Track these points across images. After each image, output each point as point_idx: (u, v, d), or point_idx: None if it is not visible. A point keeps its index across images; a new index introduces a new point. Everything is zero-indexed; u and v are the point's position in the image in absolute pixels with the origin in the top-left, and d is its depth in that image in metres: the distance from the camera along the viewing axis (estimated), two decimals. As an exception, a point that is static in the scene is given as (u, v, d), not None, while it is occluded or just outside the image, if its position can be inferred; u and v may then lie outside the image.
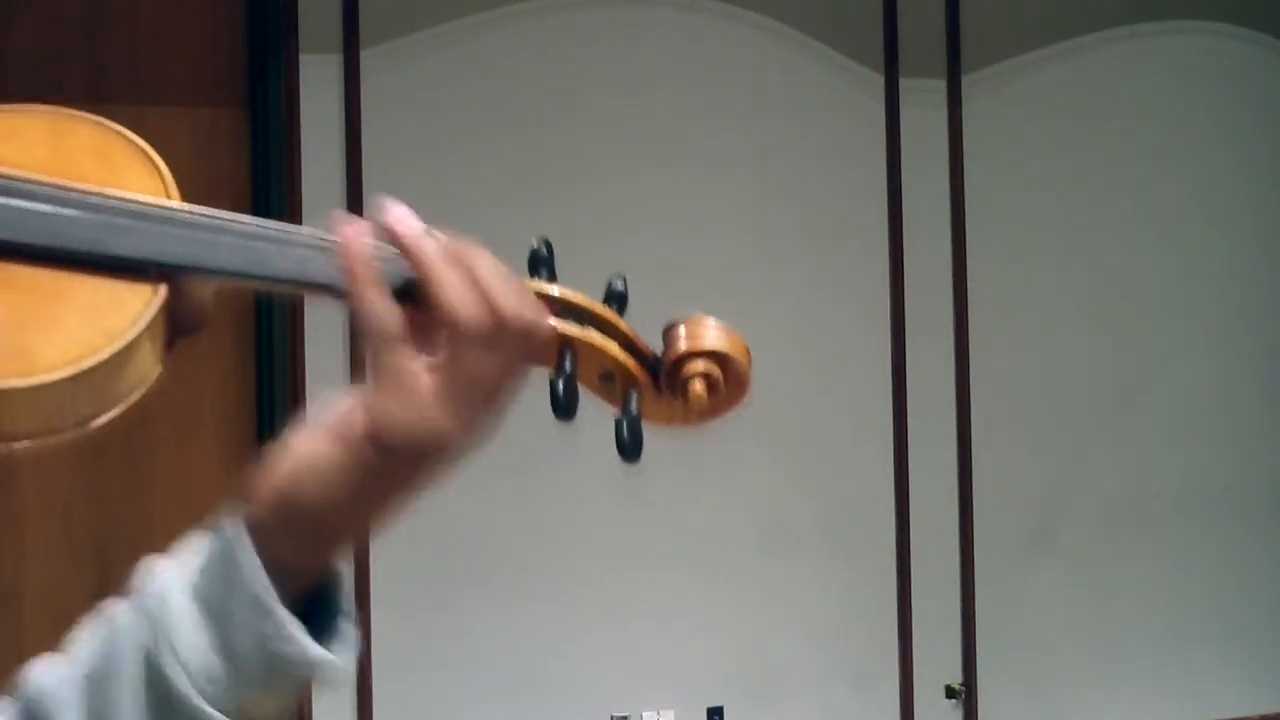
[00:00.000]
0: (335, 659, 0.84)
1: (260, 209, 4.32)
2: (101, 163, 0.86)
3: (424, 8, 4.47)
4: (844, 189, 4.82)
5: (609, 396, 0.92)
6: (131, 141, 0.88)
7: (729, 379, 0.93)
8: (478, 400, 0.81)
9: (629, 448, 0.90)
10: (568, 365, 0.88)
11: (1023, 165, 5.00)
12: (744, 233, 4.71)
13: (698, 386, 0.92)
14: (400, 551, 4.34)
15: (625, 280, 0.97)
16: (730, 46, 4.72)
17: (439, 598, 4.38)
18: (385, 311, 0.82)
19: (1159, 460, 5.09)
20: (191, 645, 0.80)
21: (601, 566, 4.54)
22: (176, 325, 0.84)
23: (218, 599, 0.81)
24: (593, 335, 0.90)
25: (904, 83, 4.87)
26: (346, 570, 0.88)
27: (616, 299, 0.95)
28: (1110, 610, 5.04)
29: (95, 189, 0.83)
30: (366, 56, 4.40)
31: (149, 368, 0.82)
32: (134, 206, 0.84)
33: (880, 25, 4.86)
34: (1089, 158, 5.06)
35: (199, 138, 4.35)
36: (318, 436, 0.82)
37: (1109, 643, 5.02)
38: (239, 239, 0.86)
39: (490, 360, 0.81)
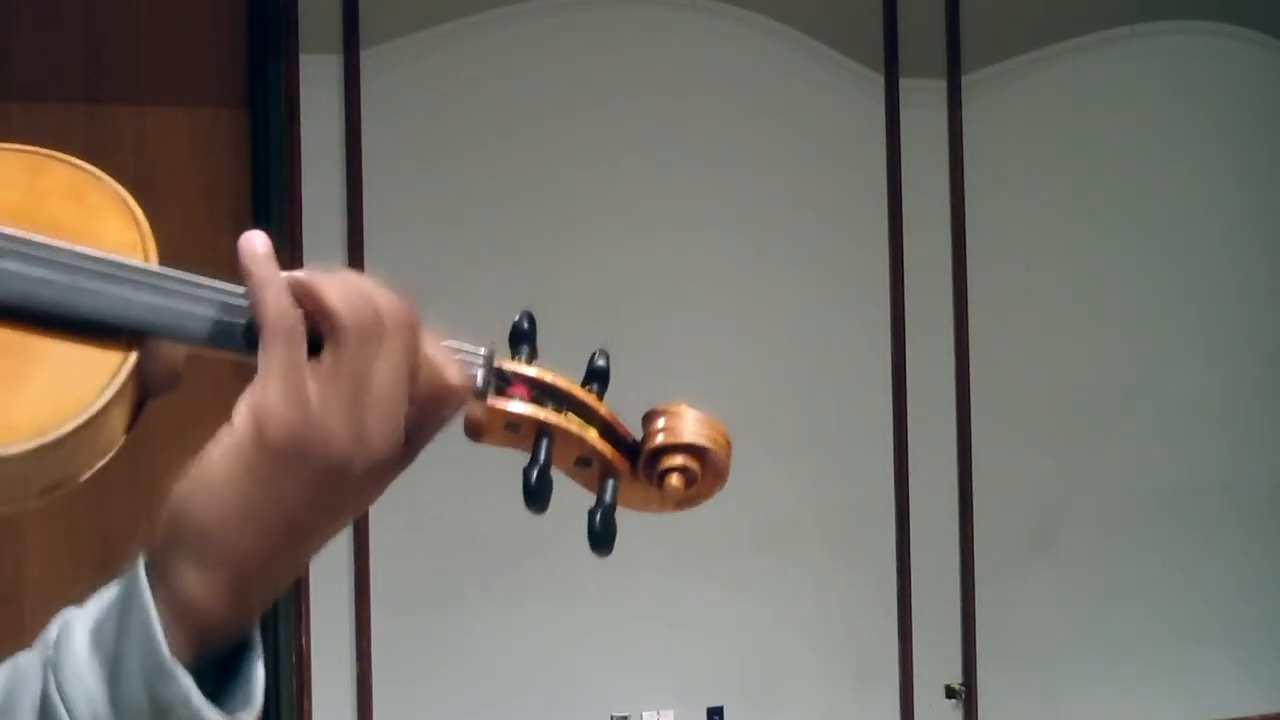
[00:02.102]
0: None
1: (260, 209, 4.32)
2: (75, 206, 0.82)
3: (424, 8, 4.47)
4: (844, 189, 4.82)
5: (584, 480, 0.91)
6: (108, 186, 0.84)
7: (706, 471, 0.94)
8: (366, 404, 0.77)
9: (601, 539, 0.89)
10: (543, 453, 0.87)
11: (1023, 165, 5.00)
12: (744, 232, 4.71)
13: (674, 480, 0.92)
14: (400, 552, 4.34)
15: (607, 356, 0.95)
16: (730, 46, 4.72)
17: (439, 598, 4.38)
18: (284, 307, 0.78)
19: (1159, 460, 5.09)
20: (81, 691, 0.76)
21: (601, 567, 4.53)
22: (147, 388, 0.81)
23: (111, 642, 0.77)
24: (570, 421, 0.89)
25: (904, 83, 4.87)
26: (261, 627, 0.81)
27: (598, 376, 0.93)
28: (1110, 610, 5.04)
29: (67, 246, 0.79)
30: (366, 56, 4.40)
31: (116, 435, 0.79)
32: (105, 266, 0.79)
33: (880, 25, 4.86)
34: (1089, 158, 5.06)
35: (199, 138, 4.35)
36: (208, 449, 0.78)
37: (1109, 643, 5.02)
38: (210, 302, 0.81)
39: (374, 359, 0.78)
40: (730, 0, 4.71)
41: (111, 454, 0.79)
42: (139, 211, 0.83)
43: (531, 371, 0.90)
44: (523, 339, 0.93)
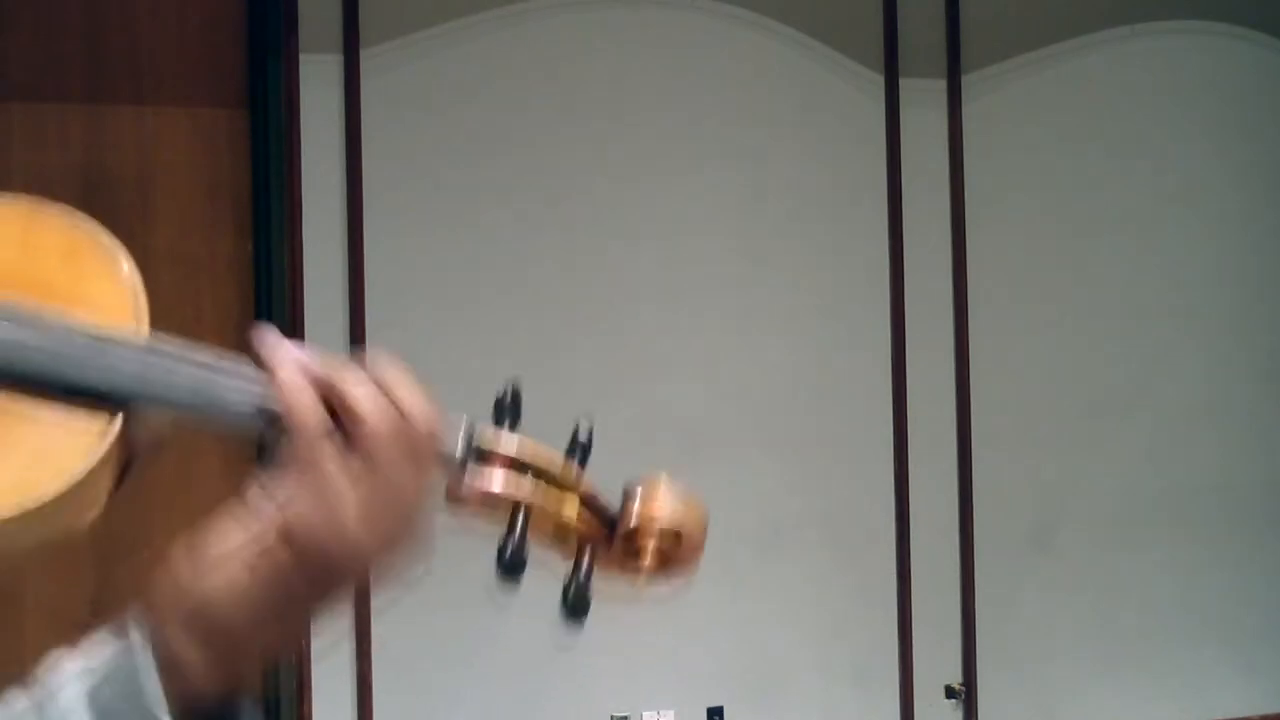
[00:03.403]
0: None
1: (260, 209, 4.32)
2: (69, 267, 0.83)
3: (424, 8, 4.47)
4: (844, 189, 4.82)
5: (561, 550, 0.92)
6: (102, 242, 0.84)
7: (681, 549, 0.94)
8: (397, 515, 0.80)
9: (574, 611, 0.91)
10: (518, 529, 0.88)
11: (1023, 165, 4.99)
12: (744, 232, 4.71)
13: (649, 561, 0.93)
14: (400, 551, 4.34)
15: (591, 429, 0.94)
16: (730, 46, 4.72)
17: (439, 597, 4.38)
18: (312, 409, 0.79)
19: (1159, 461, 5.09)
20: None
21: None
22: (132, 453, 0.81)
23: (109, 708, 0.78)
24: (548, 496, 0.90)
25: (904, 83, 4.87)
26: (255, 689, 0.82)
27: (580, 449, 0.93)
28: (1110, 610, 5.04)
29: (58, 318, 0.79)
30: (366, 56, 4.40)
31: (101, 496, 0.80)
32: (93, 338, 0.80)
33: (880, 25, 4.86)
34: (1089, 158, 5.05)
35: (199, 138, 4.35)
36: (229, 533, 0.79)
37: (1109, 643, 5.02)
38: (196, 371, 0.81)
39: (407, 466, 0.79)
40: (730, 0, 4.71)
41: (93, 516, 0.80)
42: (131, 268, 0.83)
43: (511, 447, 0.90)
44: (505, 411, 0.92)
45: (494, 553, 0.87)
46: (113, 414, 0.78)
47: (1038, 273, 4.99)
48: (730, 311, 4.70)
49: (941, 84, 4.92)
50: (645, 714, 4.60)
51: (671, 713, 4.62)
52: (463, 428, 0.87)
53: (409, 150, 4.42)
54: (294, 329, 4.28)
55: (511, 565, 0.88)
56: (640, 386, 4.56)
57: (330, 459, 0.78)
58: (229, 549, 0.78)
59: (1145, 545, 5.07)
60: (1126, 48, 5.11)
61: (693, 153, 4.67)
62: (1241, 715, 5.15)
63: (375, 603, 4.33)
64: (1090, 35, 5.07)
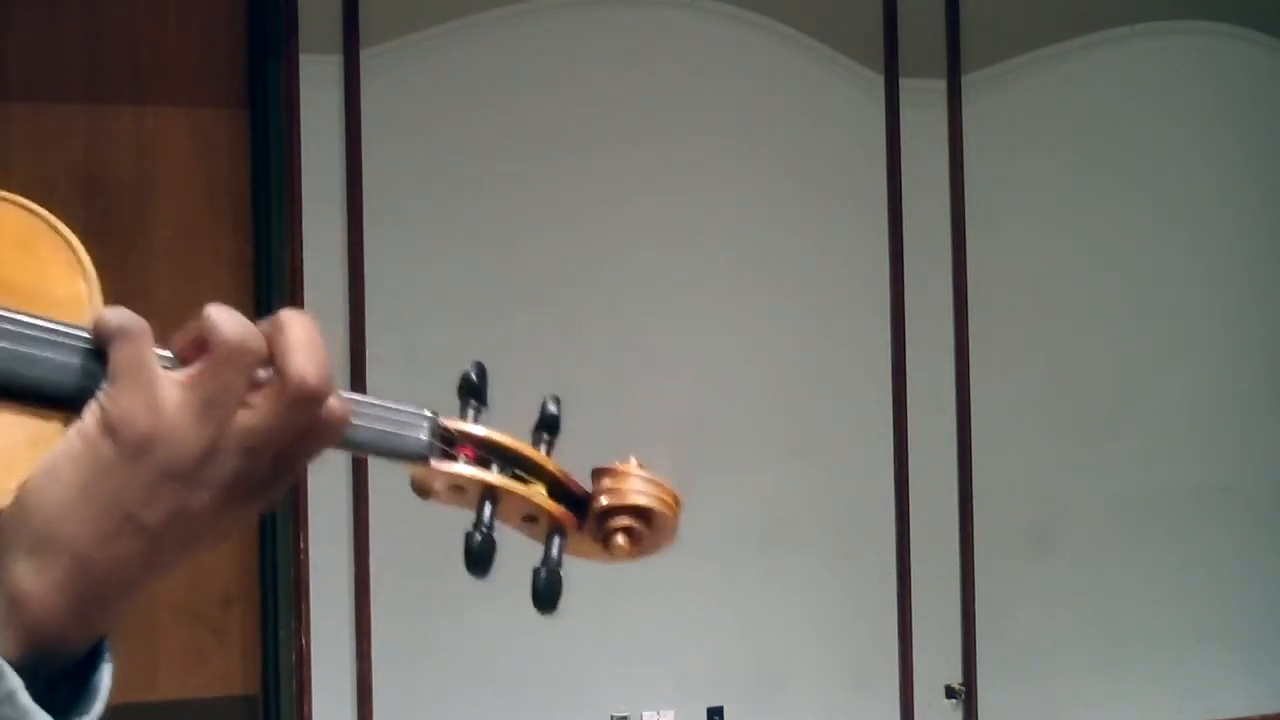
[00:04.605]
0: None
1: (260, 209, 4.32)
2: (24, 255, 0.80)
3: (424, 8, 4.47)
4: (844, 189, 4.82)
5: (532, 534, 0.91)
6: (58, 232, 0.81)
7: (653, 530, 0.94)
8: (223, 418, 0.76)
9: (544, 598, 0.89)
10: (486, 515, 0.87)
11: (1023, 165, 5.00)
12: (744, 232, 4.71)
13: (620, 540, 0.93)
14: (400, 550, 4.34)
15: (559, 402, 0.93)
16: (730, 47, 4.72)
17: (439, 597, 4.38)
18: (125, 314, 0.77)
19: (1159, 460, 5.09)
20: None
21: (601, 566, 4.53)
22: None
23: None
24: (516, 481, 0.89)
25: (904, 83, 4.87)
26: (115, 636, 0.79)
27: (549, 425, 0.92)
28: (1110, 610, 5.04)
29: (12, 311, 0.77)
30: (366, 56, 4.40)
31: None
32: (45, 332, 0.78)
33: (880, 25, 4.86)
34: (1088, 158, 5.06)
35: (199, 138, 4.35)
36: (60, 444, 0.76)
37: (1109, 643, 5.02)
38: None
39: (240, 379, 0.77)
40: (731, 1, 4.71)
41: None
42: (86, 259, 0.81)
43: (477, 432, 0.89)
44: (471, 393, 0.91)
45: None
46: (69, 415, 0.77)
47: (1037, 273, 4.99)
48: (730, 311, 4.70)
49: (941, 84, 4.92)
50: (645, 714, 4.60)
51: (671, 713, 4.62)
52: (427, 416, 0.86)
53: (409, 150, 4.42)
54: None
55: (479, 555, 0.86)
56: (641, 386, 4.56)
57: (142, 351, 0.76)
58: (56, 456, 0.76)
59: (1145, 545, 5.07)
60: (1126, 48, 5.11)
61: (693, 153, 4.67)
62: (1241, 715, 5.15)
63: (375, 602, 4.33)
64: (1090, 35, 5.07)
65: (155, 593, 4.00)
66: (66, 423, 0.77)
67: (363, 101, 4.38)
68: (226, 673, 4.36)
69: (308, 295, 4.30)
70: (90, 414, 0.76)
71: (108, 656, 0.78)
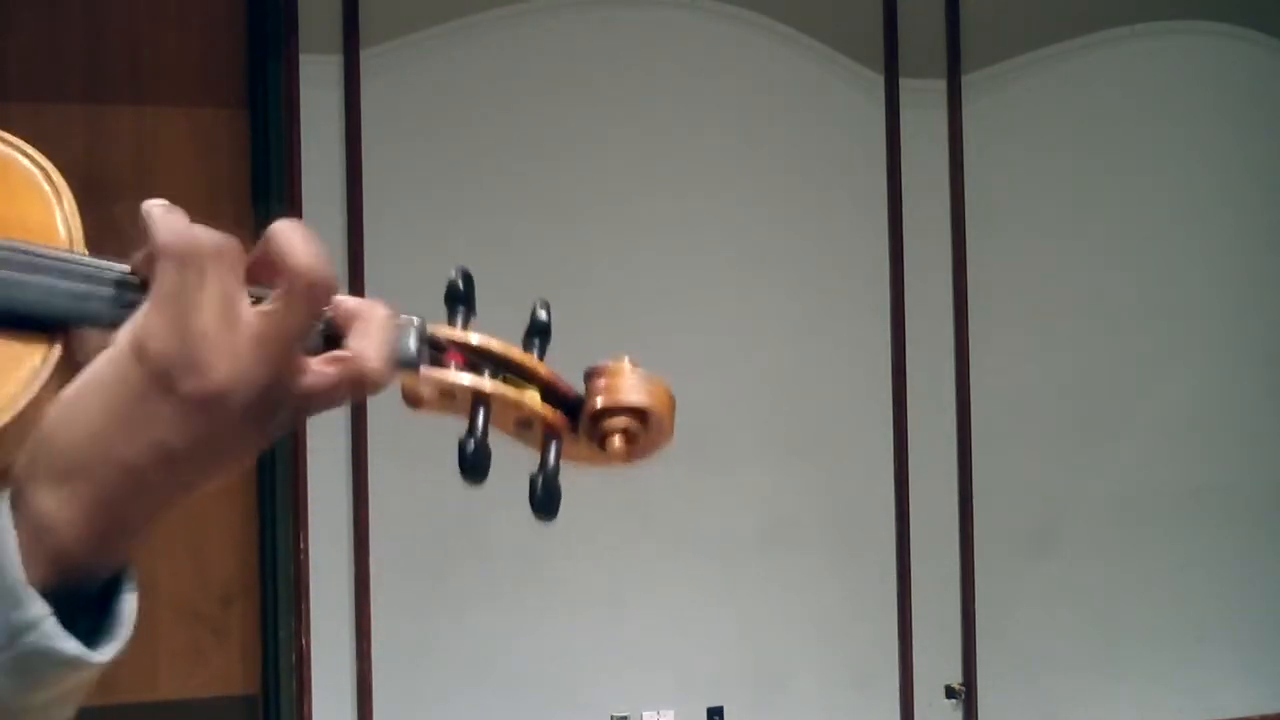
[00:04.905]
0: (92, 656, 0.74)
1: (260, 209, 4.32)
2: None
3: (424, 8, 4.47)
4: (844, 189, 4.82)
5: (527, 441, 0.89)
6: (33, 159, 0.80)
7: (649, 430, 0.92)
8: (292, 363, 0.75)
9: (543, 503, 0.87)
10: (479, 422, 0.86)
11: (1023, 165, 5.00)
12: (744, 232, 4.71)
13: (616, 442, 0.90)
14: (400, 552, 4.34)
15: (549, 308, 0.92)
16: (730, 47, 4.72)
17: (439, 597, 4.38)
18: (182, 232, 0.75)
19: (1159, 460, 5.09)
20: None
21: (601, 566, 4.54)
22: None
23: None
24: (508, 386, 0.88)
25: (904, 83, 4.87)
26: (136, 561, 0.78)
27: (539, 330, 0.91)
28: (1110, 610, 5.04)
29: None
30: (366, 56, 4.40)
31: None
32: (22, 255, 0.76)
33: (880, 25, 4.86)
34: (1088, 158, 5.06)
35: (199, 138, 4.35)
36: (84, 370, 0.75)
37: (1109, 643, 5.02)
38: (133, 289, 0.78)
39: (307, 324, 0.76)
40: (731, 1, 4.71)
41: None
42: (64, 187, 0.80)
43: (465, 337, 0.88)
44: (458, 299, 0.90)
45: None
46: (50, 340, 0.76)
47: (1037, 273, 4.99)
48: (730, 311, 4.70)
49: (941, 84, 4.92)
50: (645, 714, 4.60)
51: (671, 713, 4.62)
52: (415, 322, 0.85)
53: (409, 150, 4.42)
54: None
55: (474, 461, 0.85)
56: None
57: (183, 273, 0.74)
58: (85, 381, 0.74)
59: (1145, 545, 5.07)
60: (1126, 48, 5.12)
61: (693, 153, 4.67)
62: (1241, 715, 5.15)
63: (375, 602, 4.33)
64: (1090, 35, 5.07)
65: (155, 592, 4.00)
66: (50, 345, 0.75)
67: (363, 101, 4.38)
68: (226, 672, 4.36)
69: (308, 295, 4.30)
70: (122, 337, 0.74)
71: (130, 585, 0.77)
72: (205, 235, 0.76)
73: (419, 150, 4.43)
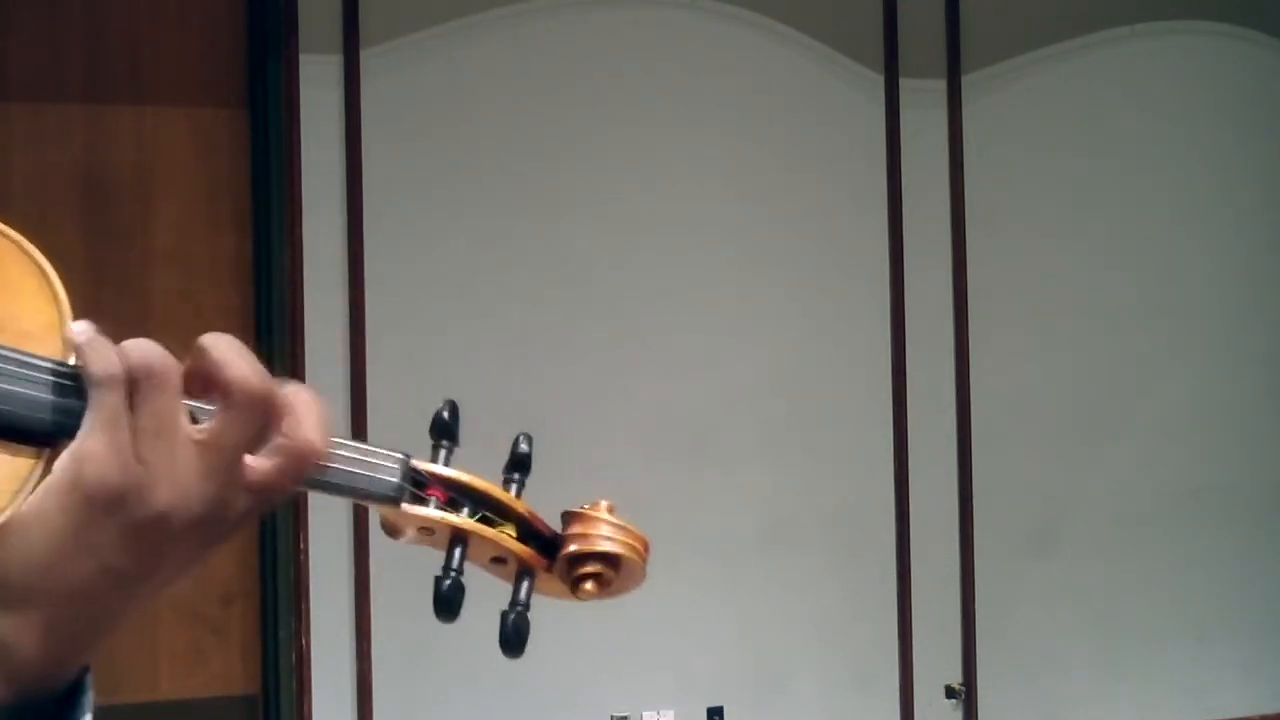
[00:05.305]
0: None
1: (260, 209, 4.32)
2: None
3: (424, 8, 4.47)
4: (844, 189, 4.82)
5: (501, 576, 0.92)
6: (28, 254, 0.79)
7: (620, 576, 0.94)
8: (235, 477, 0.75)
9: (511, 642, 0.91)
10: (455, 559, 0.88)
11: (1023, 165, 5.00)
12: (743, 232, 4.72)
13: (588, 586, 0.93)
14: (400, 552, 4.34)
15: (530, 441, 0.94)
16: (730, 47, 4.72)
17: (439, 598, 4.38)
18: (110, 359, 0.74)
19: (1159, 460, 5.09)
20: None
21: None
22: None
23: None
24: (485, 524, 0.90)
25: (904, 83, 4.87)
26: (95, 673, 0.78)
27: (520, 464, 0.93)
28: (1110, 610, 5.04)
29: None
30: (366, 56, 4.40)
31: None
32: (17, 366, 0.75)
33: (880, 25, 4.86)
34: (1088, 158, 5.06)
35: (199, 138, 4.35)
36: (32, 499, 0.75)
37: (1109, 643, 5.02)
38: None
39: (251, 435, 0.75)
40: (731, 1, 4.71)
41: None
42: (58, 284, 0.78)
43: (447, 474, 0.89)
44: (443, 433, 0.92)
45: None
46: (39, 449, 0.75)
47: (1037, 273, 4.99)
48: (730, 311, 4.70)
49: (941, 84, 4.93)
50: (645, 714, 4.60)
51: (671, 713, 4.62)
52: (398, 459, 0.86)
53: (409, 150, 4.42)
54: (294, 329, 4.28)
55: (448, 599, 0.87)
56: (641, 387, 4.56)
57: (117, 399, 0.74)
58: (27, 510, 0.74)
59: (1145, 545, 5.07)
60: (1126, 48, 5.12)
61: (693, 153, 4.67)
62: (1241, 715, 5.15)
63: (375, 602, 4.33)
64: (1090, 35, 5.07)
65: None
66: (40, 457, 0.75)
67: (363, 101, 4.38)
68: (226, 672, 4.36)
69: (307, 295, 4.30)
70: (60, 469, 0.74)
71: (87, 684, 0.78)
72: (138, 357, 0.75)
73: (419, 150, 4.43)
